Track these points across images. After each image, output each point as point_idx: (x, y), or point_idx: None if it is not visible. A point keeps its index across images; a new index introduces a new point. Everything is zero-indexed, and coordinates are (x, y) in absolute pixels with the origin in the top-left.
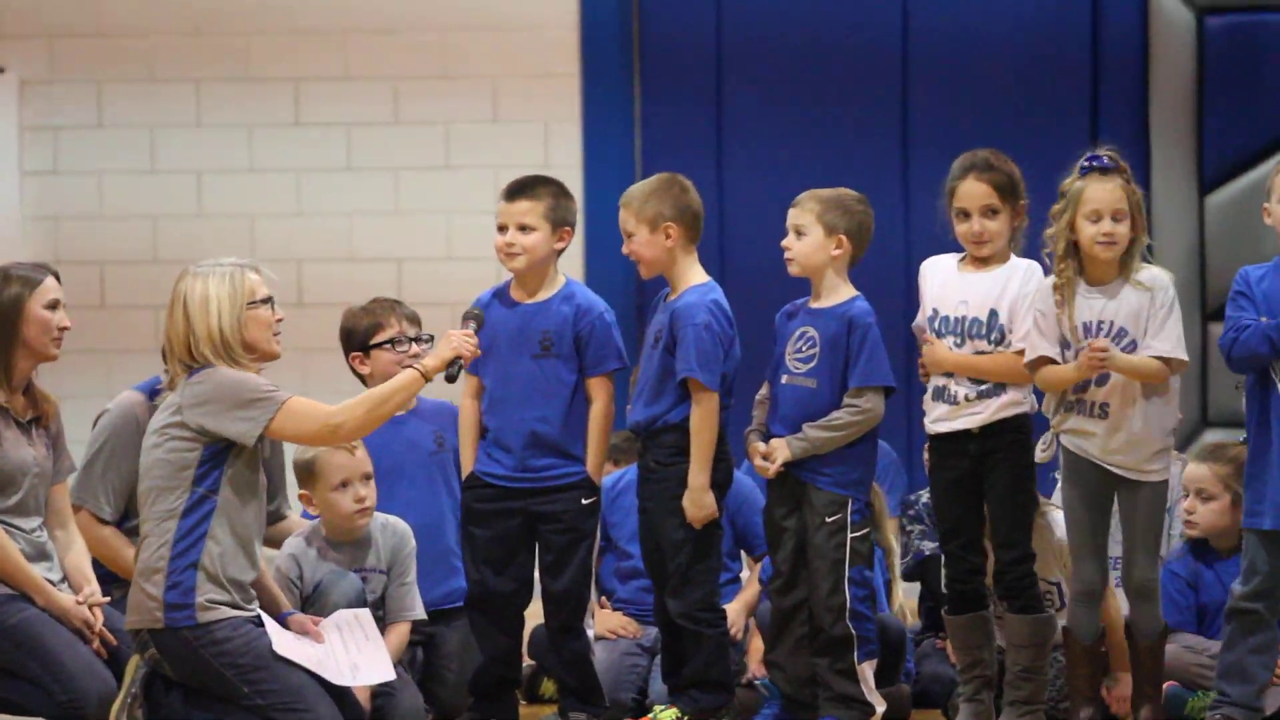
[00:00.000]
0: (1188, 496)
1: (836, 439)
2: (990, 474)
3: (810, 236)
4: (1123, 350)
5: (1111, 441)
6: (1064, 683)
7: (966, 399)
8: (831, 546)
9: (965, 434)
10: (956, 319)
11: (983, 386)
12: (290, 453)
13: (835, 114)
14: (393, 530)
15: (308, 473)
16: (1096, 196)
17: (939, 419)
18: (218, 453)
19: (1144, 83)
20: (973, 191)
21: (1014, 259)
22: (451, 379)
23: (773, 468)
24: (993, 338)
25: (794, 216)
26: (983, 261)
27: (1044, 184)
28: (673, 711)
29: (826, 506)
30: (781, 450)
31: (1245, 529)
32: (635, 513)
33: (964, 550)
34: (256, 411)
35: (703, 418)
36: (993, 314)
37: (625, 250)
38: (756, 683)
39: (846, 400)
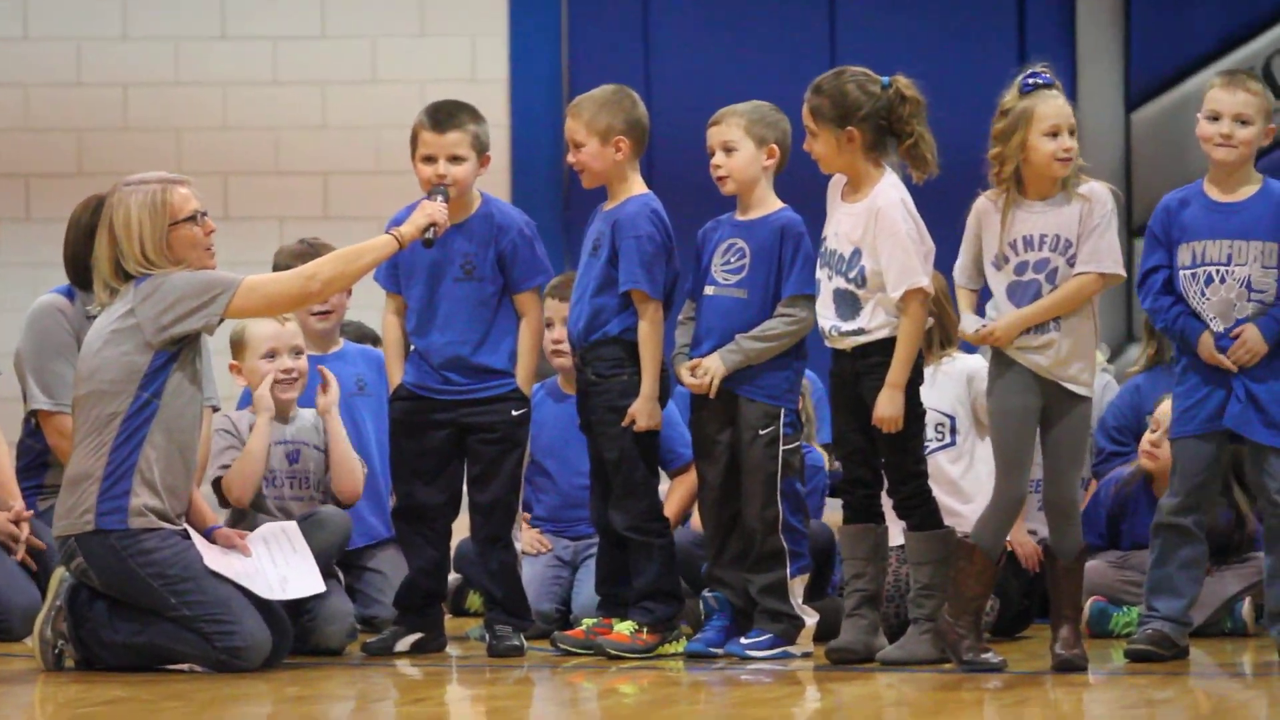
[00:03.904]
0: (1155, 431)
1: (771, 349)
2: (866, 396)
3: (742, 151)
4: (1068, 260)
5: (1061, 355)
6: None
7: (831, 334)
8: (765, 459)
9: (840, 351)
10: (830, 251)
11: (845, 326)
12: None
13: (763, 29)
14: (316, 418)
15: (238, 342)
16: (1052, 112)
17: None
18: (168, 359)
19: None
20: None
21: (877, 188)
22: (428, 245)
23: (712, 385)
24: (851, 275)
25: (719, 134)
26: (852, 189)
27: (973, 98)
28: (630, 624)
29: (759, 419)
30: (716, 366)
31: (1171, 440)
32: (550, 427)
33: (846, 460)
34: (214, 299)
35: (649, 328)
36: (855, 252)
37: (571, 159)
38: (705, 595)
39: (781, 310)
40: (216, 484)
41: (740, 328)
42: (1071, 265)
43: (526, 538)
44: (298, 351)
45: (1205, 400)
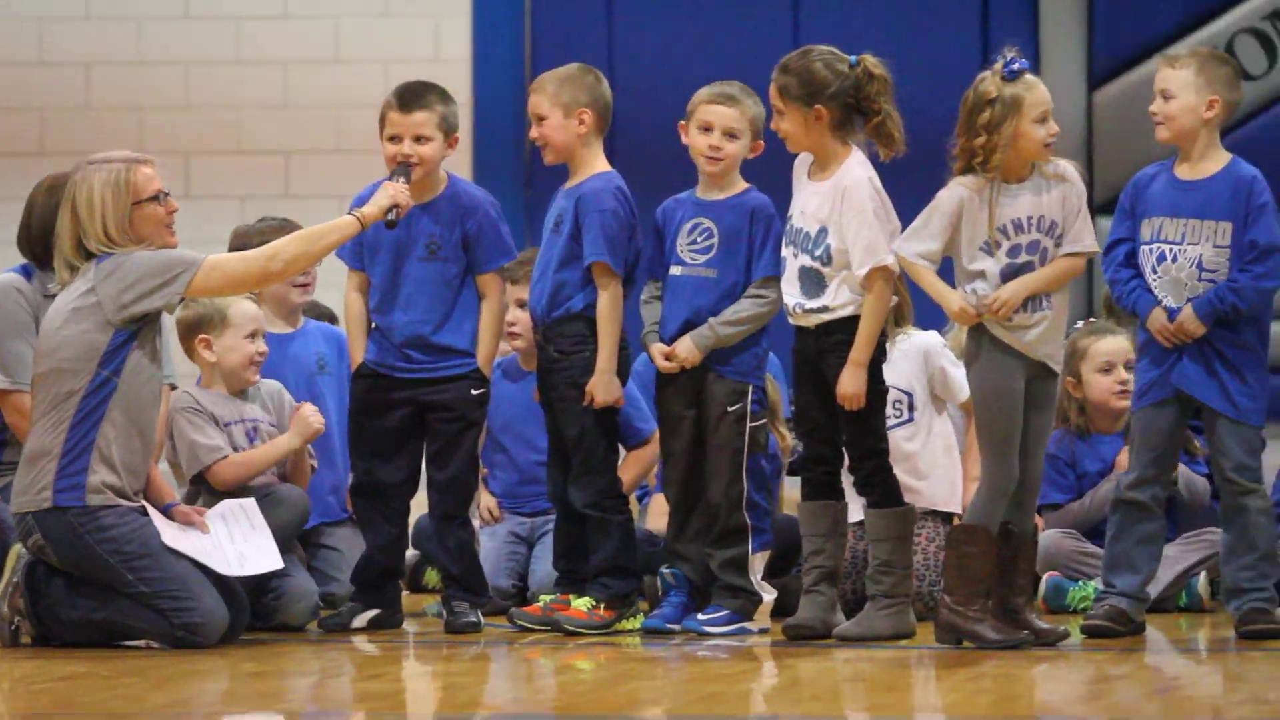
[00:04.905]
0: (1109, 370)
1: (743, 332)
2: (829, 373)
3: (743, 140)
4: (1055, 240)
5: (1046, 333)
6: (949, 576)
7: (795, 311)
8: (733, 435)
9: (803, 328)
10: (796, 229)
11: (810, 304)
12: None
13: (727, 8)
14: (269, 389)
15: (216, 319)
16: (1040, 99)
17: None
18: (128, 337)
19: None
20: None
21: (844, 165)
22: (390, 225)
23: (684, 364)
24: (817, 254)
25: (733, 118)
26: (819, 167)
27: (936, 76)
28: (587, 600)
29: (728, 396)
30: (689, 350)
31: (1132, 413)
32: (506, 404)
33: (807, 437)
34: (176, 277)
35: (610, 303)
36: (822, 230)
37: (534, 134)
38: (662, 571)
39: (752, 291)
40: (198, 475)
41: (709, 307)
42: (1058, 245)
43: (484, 503)
44: (263, 335)
45: (1161, 373)
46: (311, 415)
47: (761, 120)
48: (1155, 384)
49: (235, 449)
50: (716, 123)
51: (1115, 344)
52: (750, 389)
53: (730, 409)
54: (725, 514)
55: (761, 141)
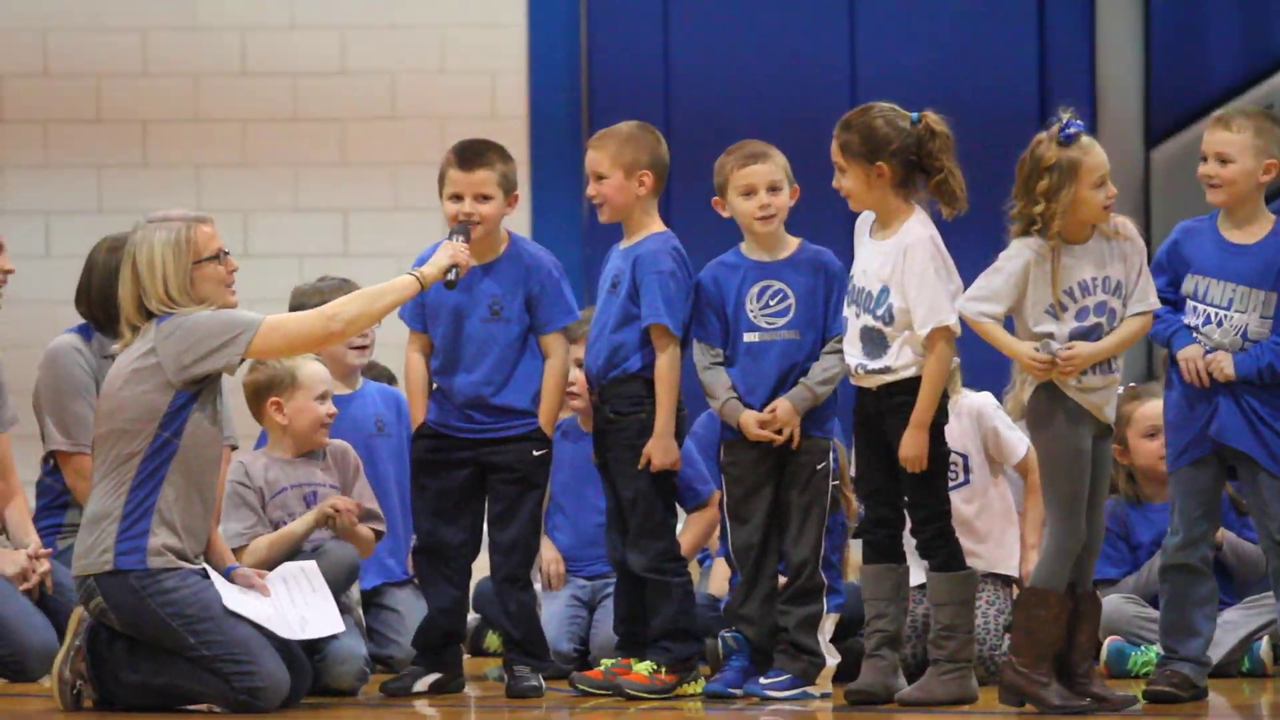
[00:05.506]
0: (1155, 435)
1: (830, 390)
2: (891, 435)
3: (784, 192)
4: (1121, 300)
5: (1112, 394)
6: (1017, 639)
7: (858, 372)
8: (819, 493)
9: (865, 389)
10: (858, 288)
11: (872, 364)
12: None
13: (784, 63)
14: (334, 449)
15: (285, 381)
16: (1098, 163)
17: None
18: (188, 398)
19: (1091, 36)
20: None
21: (906, 224)
22: (450, 285)
23: (791, 432)
24: (879, 313)
25: (770, 174)
26: (881, 225)
27: (993, 131)
28: (648, 664)
29: (817, 454)
30: (789, 413)
31: (1169, 474)
32: (566, 465)
33: (869, 499)
34: (235, 338)
35: (668, 364)
36: (884, 290)
37: (591, 192)
38: (723, 635)
39: (833, 347)
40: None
41: (799, 369)
42: (1124, 305)
43: (547, 561)
44: (330, 396)
45: (1195, 429)
46: (330, 503)
47: (789, 167)
48: (1192, 442)
49: (289, 516)
50: (758, 182)
51: (1159, 407)
52: (831, 446)
53: (819, 467)
54: (806, 573)
55: (797, 185)
